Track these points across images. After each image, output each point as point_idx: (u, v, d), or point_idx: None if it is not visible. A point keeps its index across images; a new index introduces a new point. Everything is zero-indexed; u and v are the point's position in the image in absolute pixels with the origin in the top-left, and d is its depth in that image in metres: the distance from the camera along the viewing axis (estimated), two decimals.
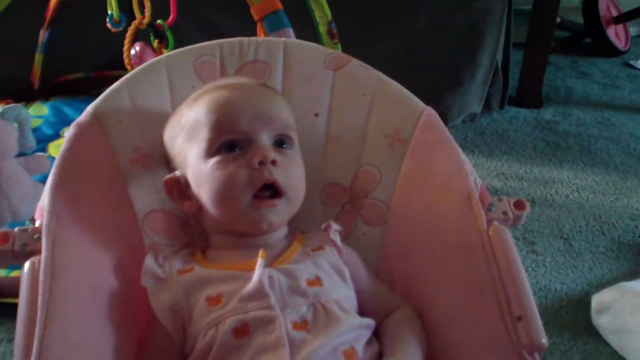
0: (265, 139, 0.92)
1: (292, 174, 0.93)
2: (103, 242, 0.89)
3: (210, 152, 0.91)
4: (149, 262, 0.89)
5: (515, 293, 0.84)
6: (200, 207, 0.94)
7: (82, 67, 2.20)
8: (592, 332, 1.40)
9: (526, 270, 1.58)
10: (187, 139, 0.94)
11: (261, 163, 0.89)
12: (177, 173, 0.96)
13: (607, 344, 1.37)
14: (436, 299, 0.93)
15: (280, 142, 0.94)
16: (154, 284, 0.88)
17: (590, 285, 1.55)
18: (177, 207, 0.98)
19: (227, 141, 0.91)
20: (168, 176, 0.96)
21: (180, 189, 0.95)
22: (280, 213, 0.92)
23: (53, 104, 2.09)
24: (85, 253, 0.86)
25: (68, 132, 0.96)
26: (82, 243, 0.87)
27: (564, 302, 1.50)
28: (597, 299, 1.41)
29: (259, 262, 0.86)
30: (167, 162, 0.99)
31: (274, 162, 0.89)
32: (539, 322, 0.82)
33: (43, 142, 1.90)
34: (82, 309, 0.81)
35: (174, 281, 0.88)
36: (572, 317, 1.46)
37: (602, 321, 1.39)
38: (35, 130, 1.93)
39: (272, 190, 0.90)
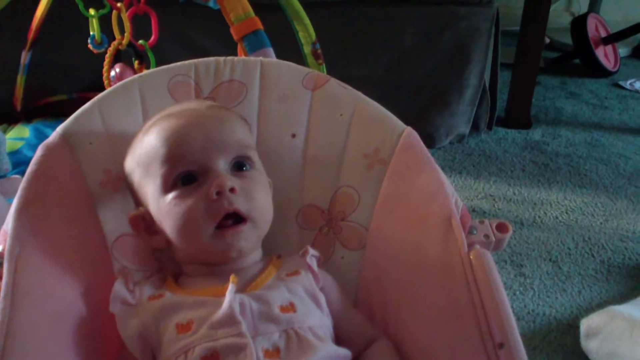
0: (222, 165, 0.88)
1: (254, 197, 0.89)
2: (69, 267, 0.87)
3: (166, 188, 0.88)
4: (118, 287, 0.86)
5: (497, 319, 0.80)
6: (168, 241, 0.91)
7: (65, 89, 2.17)
8: (581, 357, 1.37)
9: (514, 294, 1.56)
10: (143, 174, 0.91)
11: (219, 193, 0.85)
12: (142, 209, 0.93)
13: None
14: (415, 326, 0.90)
15: (240, 165, 0.90)
16: (123, 310, 0.85)
17: (579, 309, 1.52)
18: (146, 242, 0.95)
19: (181, 174, 0.87)
20: (132, 213, 0.93)
21: (146, 224, 0.92)
22: (247, 238, 0.88)
23: (35, 126, 2.06)
24: (49, 279, 0.83)
25: (35, 154, 0.93)
26: (46, 269, 0.84)
27: (553, 326, 1.47)
28: (586, 323, 1.38)
29: (230, 287, 0.83)
30: (131, 194, 0.96)
31: (232, 190, 0.86)
32: (521, 349, 0.78)
33: (24, 164, 1.86)
34: (44, 337, 0.78)
35: (143, 307, 0.85)
36: (560, 341, 1.43)
37: (591, 346, 1.36)
38: (17, 152, 1.90)
39: (235, 218, 0.87)
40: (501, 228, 0.91)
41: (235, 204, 0.86)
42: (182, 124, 0.90)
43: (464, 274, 0.85)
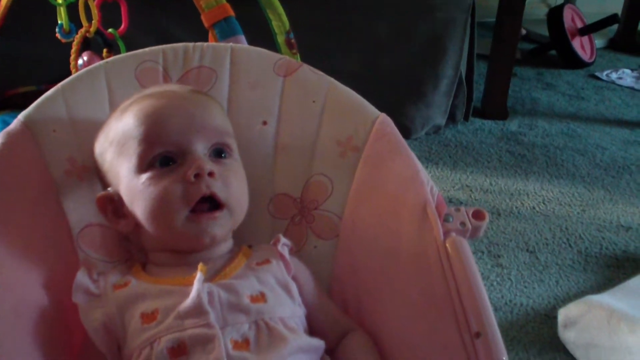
0: (201, 149, 0.86)
1: (232, 184, 0.86)
2: (31, 259, 0.84)
3: (142, 167, 0.85)
4: (81, 277, 0.83)
5: (474, 308, 0.78)
6: (136, 225, 0.87)
7: (34, 80, 2.12)
8: (559, 347, 1.37)
9: (491, 284, 1.54)
10: (117, 153, 0.88)
11: (197, 176, 0.82)
12: (110, 190, 0.89)
13: (574, 359, 1.33)
14: (390, 315, 0.88)
15: (219, 152, 0.88)
16: (86, 301, 0.82)
17: (557, 299, 1.51)
18: (112, 226, 0.91)
19: (159, 154, 0.84)
20: (100, 194, 0.90)
21: (114, 207, 0.89)
22: (222, 226, 0.86)
23: (3, 118, 2.00)
24: (9, 271, 0.80)
25: None
26: (6, 262, 0.81)
27: (530, 316, 1.46)
28: (563, 313, 1.37)
29: (198, 276, 0.80)
30: (99, 178, 0.93)
31: (211, 174, 0.83)
32: (499, 339, 0.76)
33: None
34: (4, 330, 0.75)
35: (108, 297, 0.82)
36: (538, 332, 1.41)
37: (569, 336, 1.35)
38: None
39: (211, 203, 0.84)
40: (477, 215, 0.89)
41: (213, 188, 0.83)
42: (162, 104, 0.87)
43: (439, 262, 0.83)
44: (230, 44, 1.07)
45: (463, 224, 0.87)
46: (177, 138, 0.85)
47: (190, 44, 1.04)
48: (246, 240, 0.94)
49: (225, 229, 0.87)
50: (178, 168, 0.84)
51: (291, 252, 0.92)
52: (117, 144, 0.88)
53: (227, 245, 0.91)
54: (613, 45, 3.47)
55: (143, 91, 0.93)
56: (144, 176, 0.84)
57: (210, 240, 0.85)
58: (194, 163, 0.83)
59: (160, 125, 0.85)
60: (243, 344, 0.77)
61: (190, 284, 0.80)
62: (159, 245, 0.89)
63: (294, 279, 0.88)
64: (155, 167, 0.84)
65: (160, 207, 0.83)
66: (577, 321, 1.33)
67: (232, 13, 1.33)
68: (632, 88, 2.91)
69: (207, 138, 0.87)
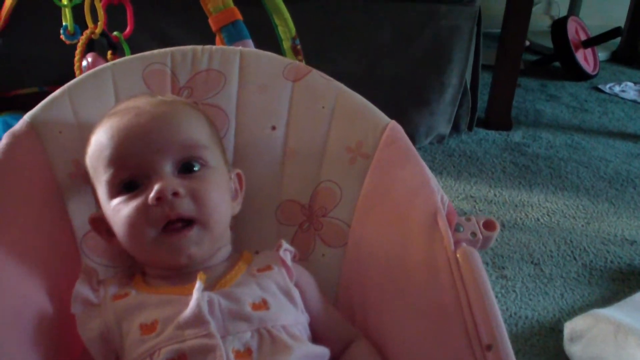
0: (167, 168, 0.83)
1: (204, 197, 0.83)
2: (34, 262, 0.83)
3: (111, 194, 0.83)
4: (80, 286, 0.81)
5: (485, 320, 0.77)
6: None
7: (36, 81, 2.11)
8: None
9: (496, 296, 1.52)
10: (93, 178, 0.87)
11: (159, 199, 0.80)
12: (101, 211, 0.88)
13: None
14: (399, 326, 0.86)
15: (188, 167, 0.84)
16: (84, 310, 0.80)
17: (562, 312, 1.50)
18: (107, 244, 0.89)
19: (123, 180, 0.82)
20: (92, 215, 0.89)
21: (106, 226, 0.87)
22: (198, 242, 0.83)
23: (4, 119, 1.99)
24: (11, 275, 0.79)
25: (0, 143, 0.88)
26: (9, 263, 0.79)
27: (535, 329, 1.44)
28: (569, 327, 1.35)
29: (197, 284, 0.78)
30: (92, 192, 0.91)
31: (176, 194, 0.80)
32: (510, 352, 0.75)
33: None
34: (4, 333, 0.74)
35: (106, 307, 0.81)
36: (543, 345, 1.40)
37: (575, 349, 1.33)
38: None
39: (184, 221, 0.82)
40: (488, 225, 0.87)
41: (178, 209, 0.81)
42: (124, 124, 0.84)
43: (450, 272, 0.81)
44: (240, 47, 1.06)
45: (474, 234, 0.86)
46: (138, 160, 0.82)
47: (199, 47, 1.03)
48: (253, 246, 0.93)
49: (203, 245, 0.84)
50: (142, 192, 0.81)
51: (295, 258, 0.90)
52: (92, 168, 0.87)
53: (224, 253, 0.89)
54: (616, 58, 3.47)
55: (114, 106, 0.92)
56: (114, 202, 0.83)
57: (188, 258, 0.83)
58: (155, 186, 0.80)
59: (121, 149, 0.83)
60: (245, 353, 0.75)
61: (190, 293, 0.78)
62: (148, 262, 0.87)
63: (297, 285, 0.86)
64: (123, 192, 0.83)
65: (130, 233, 0.82)
66: (584, 335, 1.32)
67: (239, 17, 1.31)
68: (635, 101, 2.90)
69: (170, 155, 0.83)
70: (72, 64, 1.52)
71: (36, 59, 2.07)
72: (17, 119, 2.02)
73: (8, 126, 1.97)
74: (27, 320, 0.77)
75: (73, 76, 1.50)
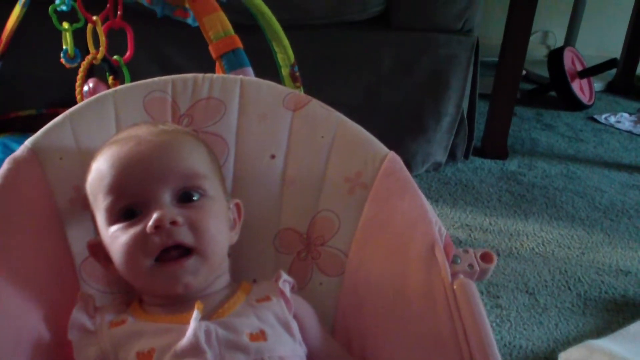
0: (166, 197, 0.83)
1: (203, 227, 0.83)
2: (33, 289, 0.83)
3: (110, 221, 0.84)
4: (77, 313, 0.82)
5: (481, 351, 0.77)
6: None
7: (34, 104, 2.12)
8: None
9: (490, 325, 1.52)
10: (92, 204, 0.87)
11: (158, 227, 0.80)
12: (99, 237, 0.88)
13: None
14: (395, 356, 0.86)
15: (187, 196, 0.85)
16: (81, 338, 0.80)
17: (556, 342, 1.49)
18: (105, 270, 0.90)
19: (122, 208, 0.83)
20: (90, 241, 0.89)
21: (105, 252, 0.87)
22: (195, 272, 0.82)
23: (2, 141, 2.00)
24: (10, 302, 0.79)
25: (1, 168, 0.89)
26: (7, 290, 0.80)
27: (530, 359, 1.44)
28: (564, 357, 1.36)
29: (195, 314, 0.78)
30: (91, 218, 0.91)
31: (175, 223, 0.81)
32: None
33: None
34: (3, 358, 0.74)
35: (103, 334, 0.80)
36: None
37: None
38: None
39: (180, 250, 0.82)
40: (485, 258, 0.88)
41: (176, 237, 0.81)
42: (124, 153, 0.85)
43: (447, 304, 0.82)
44: (240, 76, 1.07)
45: (471, 266, 0.87)
46: (138, 189, 0.83)
47: (200, 75, 1.03)
48: (250, 274, 0.93)
49: (200, 275, 0.84)
50: (141, 220, 0.82)
51: (293, 289, 0.90)
52: (91, 195, 0.87)
53: (222, 281, 0.89)
54: (612, 88, 3.49)
55: (116, 134, 0.92)
56: (112, 229, 0.83)
57: (184, 288, 0.82)
58: (155, 214, 0.81)
59: (121, 177, 0.83)
60: None
61: (188, 321, 0.78)
62: (145, 290, 0.88)
63: (295, 316, 0.86)
64: (121, 220, 0.83)
65: (127, 260, 0.82)
66: None
67: (240, 45, 1.32)
68: (630, 132, 2.91)
69: (170, 184, 0.84)
70: (72, 87, 1.53)
71: (34, 82, 2.08)
72: (15, 141, 2.04)
73: (6, 147, 1.98)
74: (26, 347, 0.78)
75: (73, 98, 1.51)
